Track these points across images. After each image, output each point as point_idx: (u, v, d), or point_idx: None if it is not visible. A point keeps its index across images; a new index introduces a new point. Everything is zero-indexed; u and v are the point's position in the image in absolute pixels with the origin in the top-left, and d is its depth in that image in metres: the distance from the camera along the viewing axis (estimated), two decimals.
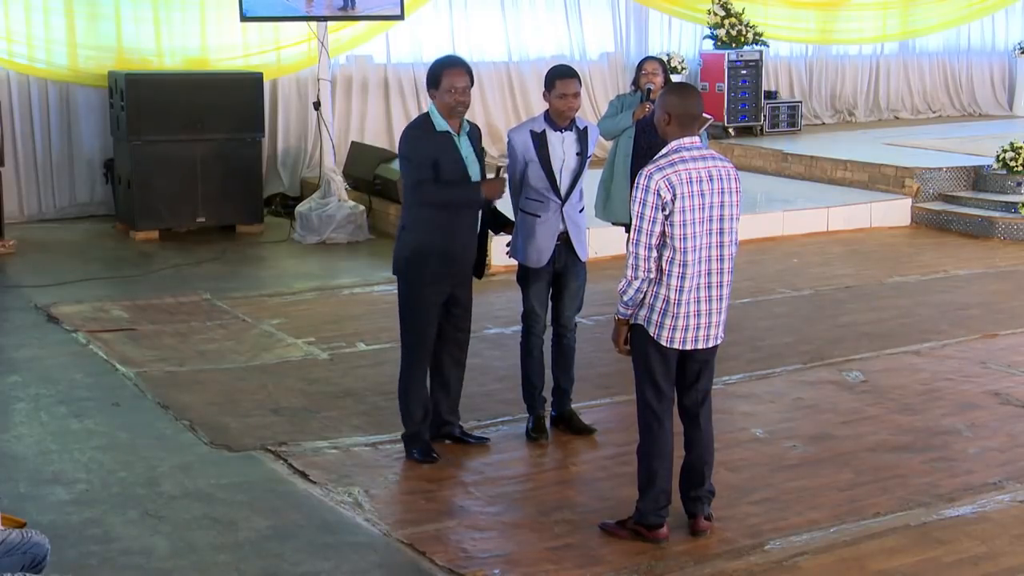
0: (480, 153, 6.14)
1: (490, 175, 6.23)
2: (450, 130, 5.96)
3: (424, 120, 6.04)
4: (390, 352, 8.05)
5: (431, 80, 6.00)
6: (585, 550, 5.18)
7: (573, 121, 6.30)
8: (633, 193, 4.98)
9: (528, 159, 6.29)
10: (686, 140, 5.01)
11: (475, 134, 6.15)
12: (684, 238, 4.94)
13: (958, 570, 5.01)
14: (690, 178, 4.93)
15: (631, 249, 5.00)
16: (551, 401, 6.62)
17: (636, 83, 8.48)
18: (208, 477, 5.88)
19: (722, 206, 5.03)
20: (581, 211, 6.43)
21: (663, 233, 4.95)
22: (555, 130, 6.26)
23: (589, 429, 6.57)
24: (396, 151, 13.16)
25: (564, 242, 6.34)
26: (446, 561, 5.06)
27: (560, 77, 6.24)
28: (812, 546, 5.21)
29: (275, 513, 5.53)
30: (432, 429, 6.27)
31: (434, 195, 5.99)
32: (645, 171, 4.96)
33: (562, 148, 6.27)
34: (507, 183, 6.15)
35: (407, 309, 6.17)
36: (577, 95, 6.23)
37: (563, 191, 6.28)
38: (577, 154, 6.30)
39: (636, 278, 4.99)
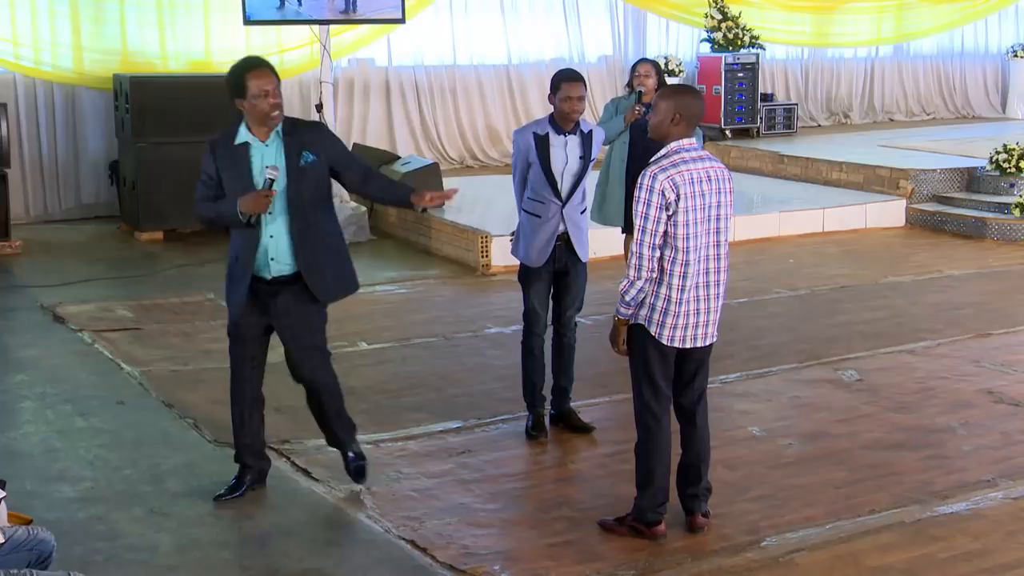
0: (296, 159, 5.31)
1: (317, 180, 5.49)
2: (251, 140, 5.32)
3: (228, 132, 5.39)
4: (391, 351, 8.07)
5: (235, 88, 5.29)
6: (584, 547, 5.17)
7: (577, 124, 6.30)
8: (636, 194, 4.97)
9: (530, 160, 6.29)
10: (685, 142, 5.02)
11: (301, 140, 5.37)
12: (687, 238, 4.94)
13: (952, 566, 5.00)
14: (692, 179, 4.94)
15: (634, 249, 5.00)
16: (551, 399, 6.62)
17: (630, 85, 8.49)
18: (212, 475, 5.88)
19: (719, 206, 5.04)
20: (583, 212, 6.42)
21: (665, 233, 4.95)
22: (558, 133, 6.26)
23: (588, 427, 6.57)
24: (398, 153, 13.32)
25: (564, 243, 6.33)
26: (447, 558, 5.06)
27: (566, 80, 6.25)
28: (808, 543, 5.21)
29: (277, 510, 5.53)
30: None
31: (201, 213, 5.46)
32: (648, 172, 4.95)
33: (564, 151, 6.26)
34: (272, 197, 5.25)
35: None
36: (581, 99, 6.23)
37: (564, 193, 6.27)
38: (580, 157, 6.29)
39: (639, 278, 4.99)
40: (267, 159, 5.30)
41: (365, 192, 5.87)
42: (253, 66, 5.37)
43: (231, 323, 5.60)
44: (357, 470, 5.81)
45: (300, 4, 11.38)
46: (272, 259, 5.37)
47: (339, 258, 5.59)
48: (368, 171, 5.69)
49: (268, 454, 6.21)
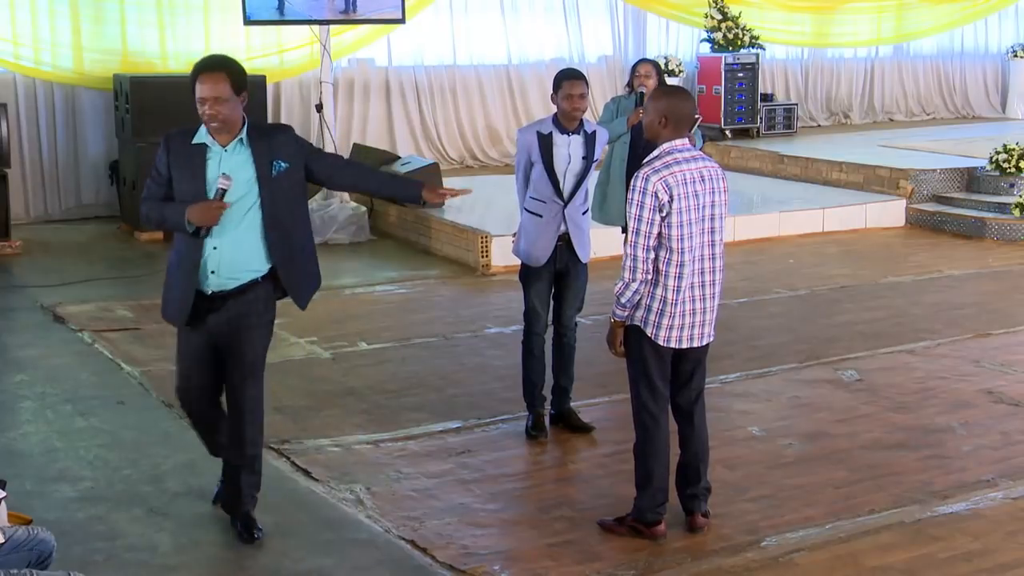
0: (268, 169, 4.98)
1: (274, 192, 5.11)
2: (209, 143, 4.97)
3: (188, 128, 5.08)
4: (391, 351, 8.07)
5: (190, 87, 4.98)
6: (584, 547, 5.17)
7: (581, 124, 6.29)
8: (629, 196, 4.98)
9: (533, 159, 6.29)
10: (677, 142, 5.02)
11: (270, 147, 5.01)
12: (681, 239, 4.94)
13: (952, 566, 5.00)
14: (685, 179, 4.94)
15: (628, 251, 5.00)
16: (551, 399, 6.62)
17: (631, 85, 8.49)
18: (212, 475, 5.86)
19: (713, 206, 5.04)
20: (584, 213, 6.42)
21: (660, 234, 4.95)
22: (562, 133, 6.26)
23: (588, 427, 6.57)
24: (398, 153, 13.32)
25: (565, 243, 6.33)
26: (447, 558, 5.06)
27: (567, 79, 6.25)
28: (808, 543, 5.20)
29: (277, 510, 5.52)
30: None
31: (147, 213, 5.10)
32: (641, 174, 4.96)
33: (568, 151, 6.26)
34: (224, 209, 4.91)
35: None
36: (583, 96, 6.23)
37: (566, 193, 6.27)
38: (583, 158, 6.29)
39: (634, 280, 4.99)
40: (227, 166, 4.93)
41: (350, 182, 5.61)
42: (202, 68, 4.94)
43: (176, 339, 5.25)
44: (249, 534, 5.21)
45: (283, 7, 11.39)
46: (212, 272, 4.99)
47: (310, 260, 5.29)
48: (349, 162, 5.46)
49: (269, 454, 6.23)
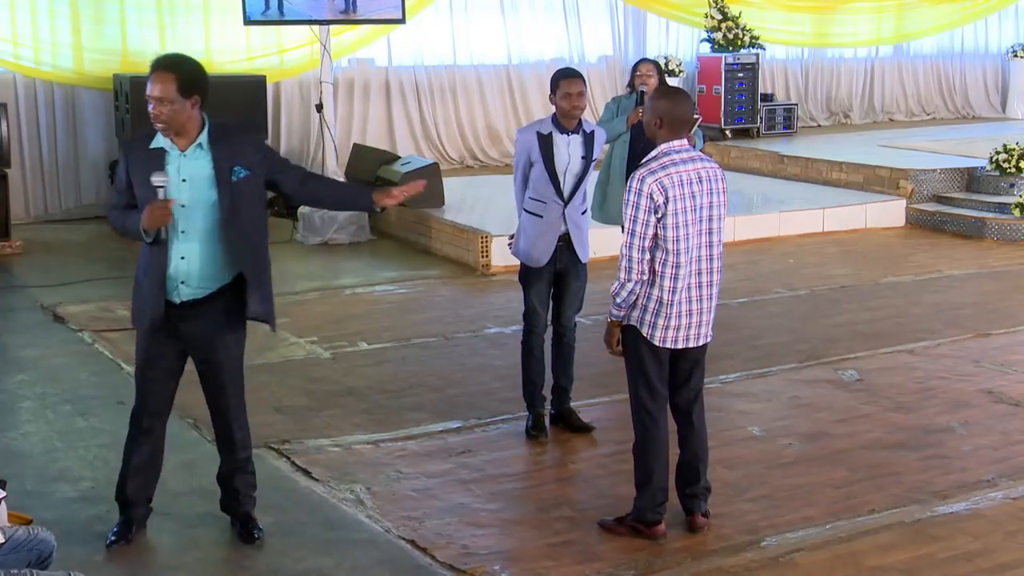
0: (228, 174, 4.86)
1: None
2: (167, 148, 4.85)
3: (147, 133, 4.93)
4: (391, 351, 8.08)
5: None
6: (584, 546, 5.18)
7: (580, 124, 6.29)
8: (625, 196, 4.98)
9: (533, 159, 6.29)
10: (675, 143, 5.02)
11: (231, 152, 4.88)
12: (677, 240, 4.94)
13: (952, 566, 5.01)
14: (681, 181, 4.94)
15: (624, 252, 5.00)
16: (551, 399, 6.62)
17: (631, 85, 8.49)
18: (212, 474, 5.83)
19: (711, 207, 5.04)
20: (584, 213, 6.42)
21: (655, 235, 4.96)
22: (561, 133, 6.26)
23: (588, 427, 6.57)
24: (398, 153, 13.32)
25: (565, 243, 6.34)
26: (447, 557, 5.06)
27: (564, 78, 6.26)
28: (808, 543, 5.21)
29: (278, 510, 5.52)
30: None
31: (114, 222, 5.03)
32: (637, 175, 4.96)
33: (567, 151, 6.26)
34: (170, 207, 4.77)
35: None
36: (581, 95, 6.23)
37: (566, 193, 6.27)
38: (582, 157, 6.29)
39: (629, 280, 4.99)
40: (186, 171, 4.82)
41: (311, 198, 5.36)
42: (152, 67, 4.81)
43: (139, 354, 5.14)
44: (249, 534, 5.22)
45: (283, 7, 11.39)
46: (182, 283, 4.89)
47: (268, 277, 5.11)
48: (310, 175, 5.24)
49: (269, 454, 6.23)
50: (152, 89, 4.74)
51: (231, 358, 5.10)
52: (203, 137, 4.87)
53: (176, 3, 13.11)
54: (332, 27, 12.09)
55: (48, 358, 7.92)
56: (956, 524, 5.40)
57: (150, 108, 4.76)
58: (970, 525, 5.39)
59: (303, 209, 11.87)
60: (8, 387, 7.35)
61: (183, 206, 4.84)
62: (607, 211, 8.64)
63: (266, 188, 5.06)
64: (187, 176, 4.83)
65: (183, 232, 4.86)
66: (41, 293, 9.58)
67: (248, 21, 11.56)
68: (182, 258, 4.88)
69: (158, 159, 4.83)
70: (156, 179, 4.75)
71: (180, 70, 4.79)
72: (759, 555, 5.10)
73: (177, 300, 4.93)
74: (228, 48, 13.28)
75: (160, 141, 4.86)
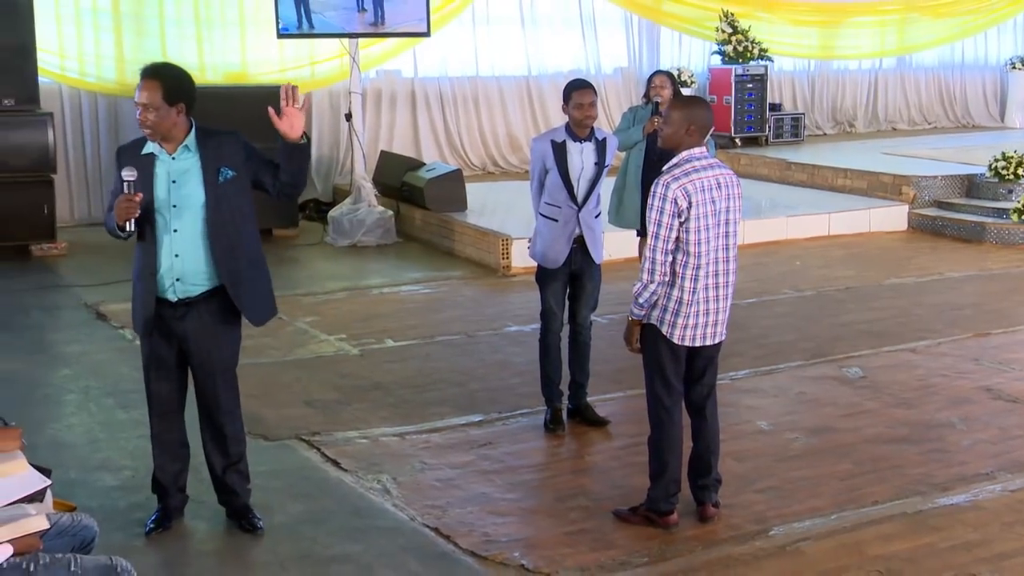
0: (214, 176, 4.84)
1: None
2: (156, 152, 4.84)
3: (139, 140, 4.93)
4: (416, 348, 8.08)
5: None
6: (599, 535, 5.16)
7: (592, 132, 6.28)
8: (650, 201, 4.97)
9: (548, 166, 6.28)
10: (696, 150, 5.01)
11: (218, 154, 4.87)
12: (698, 243, 4.93)
13: (952, 555, 4.98)
14: (703, 186, 4.93)
15: (647, 254, 4.99)
16: (568, 394, 6.61)
17: (647, 95, 8.49)
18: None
19: (728, 211, 5.03)
20: (597, 216, 6.41)
21: (678, 239, 4.94)
22: (575, 140, 6.25)
23: (603, 421, 6.55)
24: (423, 160, 13.33)
25: (580, 245, 6.32)
26: (469, 544, 5.06)
27: (576, 89, 6.24)
28: (814, 532, 5.18)
29: (308, 499, 5.53)
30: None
31: (106, 224, 4.96)
32: (661, 181, 4.94)
33: (580, 158, 6.25)
34: (136, 201, 4.72)
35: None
36: (593, 104, 6.21)
37: (580, 198, 6.26)
38: (595, 164, 6.28)
39: (652, 281, 4.98)
40: (175, 173, 4.80)
41: (283, 184, 5.03)
42: (141, 74, 4.78)
43: (143, 358, 5.08)
44: (250, 524, 5.18)
45: (313, 21, 11.40)
46: (177, 280, 4.85)
47: (262, 278, 5.05)
48: (269, 162, 5.02)
49: (300, 445, 6.24)
50: (139, 96, 4.73)
51: (226, 356, 5.04)
52: (190, 140, 4.85)
53: (213, 18, 13.16)
54: (361, 40, 12.10)
55: (91, 354, 7.96)
56: (956, 515, 5.37)
57: (137, 114, 4.75)
58: (969, 516, 5.36)
59: (333, 213, 11.90)
60: (54, 381, 7.38)
61: (174, 206, 4.81)
62: (622, 216, 8.64)
63: (253, 188, 4.99)
64: (176, 178, 4.82)
65: (176, 231, 4.83)
66: (84, 292, 9.63)
67: (281, 35, 11.59)
68: (176, 256, 4.84)
69: (149, 163, 4.81)
70: (125, 173, 4.73)
71: (166, 78, 4.77)
72: (767, 544, 5.08)
73: (173, 298, 4.88)
74: (262, 60, 13.32)
75: (150, 147, 4.84)
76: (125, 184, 4.72)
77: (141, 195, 4.74)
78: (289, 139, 4.88)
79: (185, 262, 4.85)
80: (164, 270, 4.85)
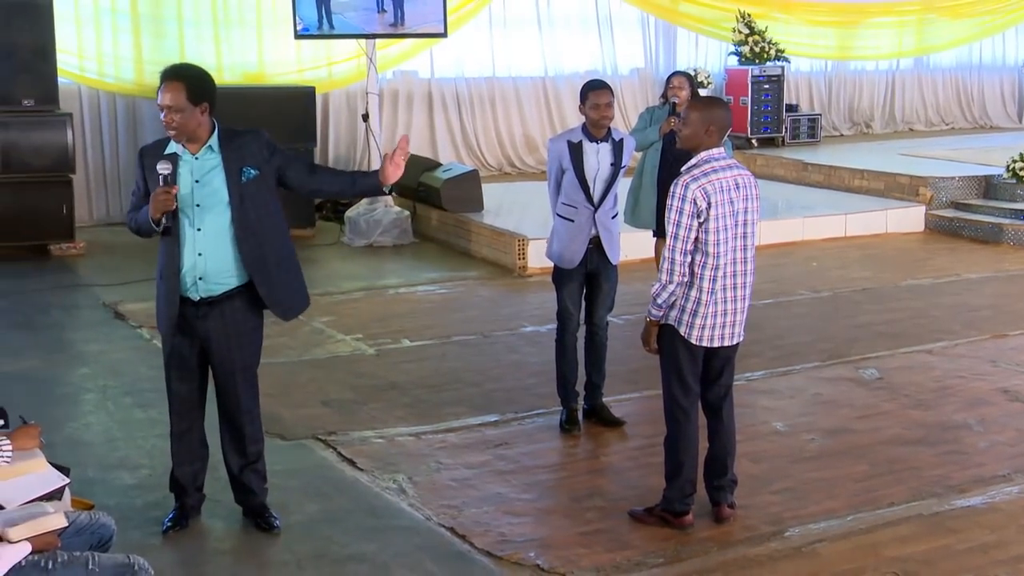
0: (237, 176, 4.86)
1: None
2: (180, 152, 4.85)
3: (161, 140, 4.97)
4: (432, 349, 8.08)
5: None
6: (615, 535, 5.16)
7: (609, 132, 6.27)
8: (669, 202, 4.96)
9: (564, 167, 6.28)
10: (715, 151, 5.00)
11: (241, 154, 4.88)
12: (717, 243, 4.92)
13: (969, 557, 4.96)
14: (722, 187, 4.92)
15: (667, 254, 4.98)
16: (583, 395, 6.61)
17: (665, 96, 8.48)
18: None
19: (746, 212, 5.01)
20: (614, 217, 6.40)
21: (696, 239, 4.93)
22: (591, 141, 6.24)
23: (619, 421, 6.55)
24: (440, 160, 13.35)
25: (596, 246, 6.31)
26: (484, 544, 5.06)
27: (592, 89, 6.23)
28: (830, 533, 5.17)
29: (325, 498, 5.54)
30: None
31: (130, 223, 4.99)
32: (681, 181, 4.93)
33: (597, 158, 6.24)
34: (173, 193, 4.74)
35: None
36: (609, 105, 6.20)
37: (596, 198, 6.25)
38: (611, 164, 6.27)
39: (671, 281, 4.97)
40: (198, 173, 4.83)
41: (318, 186, 5.18)
42: (163, 77, 4.80)
43: (164, 357, 5.10)
44: (267, 523, 5.20)
45: (332, 21, 11.42)
46: (200, 279, 4.87)
47: (292, 272, 5.07)
48: (317, 166, 5.15)
49: (317, 444, 6.25)
50: (163, 98, 4.74)
51: (247, 355, 5.06)
52: (213, 140, 4.87)
53: (231, 19, 13.20)
54: (378, 41, 12.12)
55: (109, 353, 7.99)
56: (973, 517, 5.35)
57: (162, 116, 4.76)
58: (986, 518, 5.34)
59: (349, 213, 11.91)
60: (72, 380, 7.41)
61: (198, 205, 4.83)
62: (638, 216, 8.64)
63: (276, 184, 5.02)
64: (199, 177, 4.84)
65: (199, 230, 4.85)
66: (103, 291, 9.66)
67: (299, 35, 11.61)
68: (199, 254, 4.86)
69: (172, 160, 4.83)
70: (161, 166, 4.75)
71: (189, 79, 4.79)
72: (783, 545, 5.07)
73: (196, 297, 4.90)
74: (280, 61, 13.35)
75: (173, 147, 4.86)
76: (161, 177, 4.73)
77: (177, 187, 4.77)
78: (383, 182, 4.90)
79: (208, 261, 4.87)
80: (187, 268, 4.86)
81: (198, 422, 5.19)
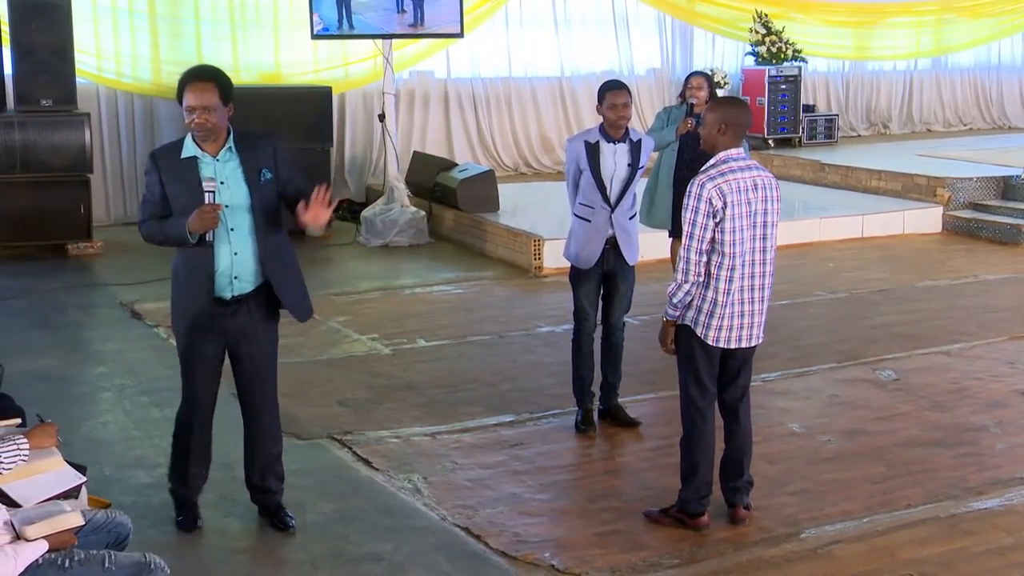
0: (257, 176, 4.88)
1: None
2: (199, 155, 4.83)
3: (173, 144, 4.96)
4: (448, 348, 8.09)
5: (178, 95, 4.85)
6: (630, 536, 5.16)
7: (627, 133, 6.26)
8: (685, 201, 4.95)
9: (581, 167, 6.27)
10: (732, 151, 4.98)
11: (258, 157, 4.91)
12: (733, 244, 4.91)
13: (986, 560, 4.94)
14: (739, 187, 4.90)
15: (682, 254, 4.97)
16: (599, 395, 6.60)
17: (683, 96, 8.46)
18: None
19: (765, 213, 5.00)
20: (631, 218, 6.39)
21: (713, 239, 4.93)
22: (608, 141, 6.23)
23: (634, 422, 6.54)
24: (456, 161, 13.36)
25: (612, 246, 6.31)
26: (500, 544, 5.06)
27: (610, 90, 6.23)
28: (846, 535, 5.15)
29: (340, 497, 5.55)
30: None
31: (150, 232, 4.93)
32: (697, 181, 4.93)
33: (614, 159, 6.24)
34: (219, 210, 4.77)
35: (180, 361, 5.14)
36: (627, 105, 6.19)
37: (612, 199, 6.25)
38: (628, 165, 6.26)
39: (687, 281, 4.96)
40: (220, 175, 4.82)
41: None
42: (192, 78, 4.80)
43: (184, 356, 5.07)
44: (283, 523, 5.23)
45: (352, 21, 11.44)
46: (235, 278, 4.89)
47: (299, 275, 5.11)
48: (301, 193, 4.94)
49: (332, 444, 6.26)
50: (196, 99, 4.72)
51: (269, 353, 5.11)
52: (231, 142, 4.88)
53: (248, 19, 13.22)
54: (394, 41, 12.13)
55: (126, 352, 8.02)
56: (990, 519, 5.33)
57: (192, 117, 4.74)
58: (1003, 520, 5.32)
59: (365, 213, 11.93)
60: (89, 379, 7.44)
61: (227, 206, 4.83)
62: (654, 216, 8.62)
63: None
64: (224, 179, 4.84)
65: (232, 230, 4.86)
66: (120, 291, 9.70)
67: (315, 36, 11.64)
68: (235, 254, 4.88)
69: (191, 167, 4.82)
70: (208, 185, 4.78)
71: (219, 80, 4.81)
72: (799, 547, 5.06)
73: (229, 295, 4.91)
74: (296, 61, 13.37)
75: (190, 150, 4.84)
76: (207, 195, 4.75)
77: (223, 204, 4.79)
78: (310, 231, 4.83)
79: (244, 260, 4.90)
80: (223, 269, 4.88)
81: (209, 424, 5.19)
